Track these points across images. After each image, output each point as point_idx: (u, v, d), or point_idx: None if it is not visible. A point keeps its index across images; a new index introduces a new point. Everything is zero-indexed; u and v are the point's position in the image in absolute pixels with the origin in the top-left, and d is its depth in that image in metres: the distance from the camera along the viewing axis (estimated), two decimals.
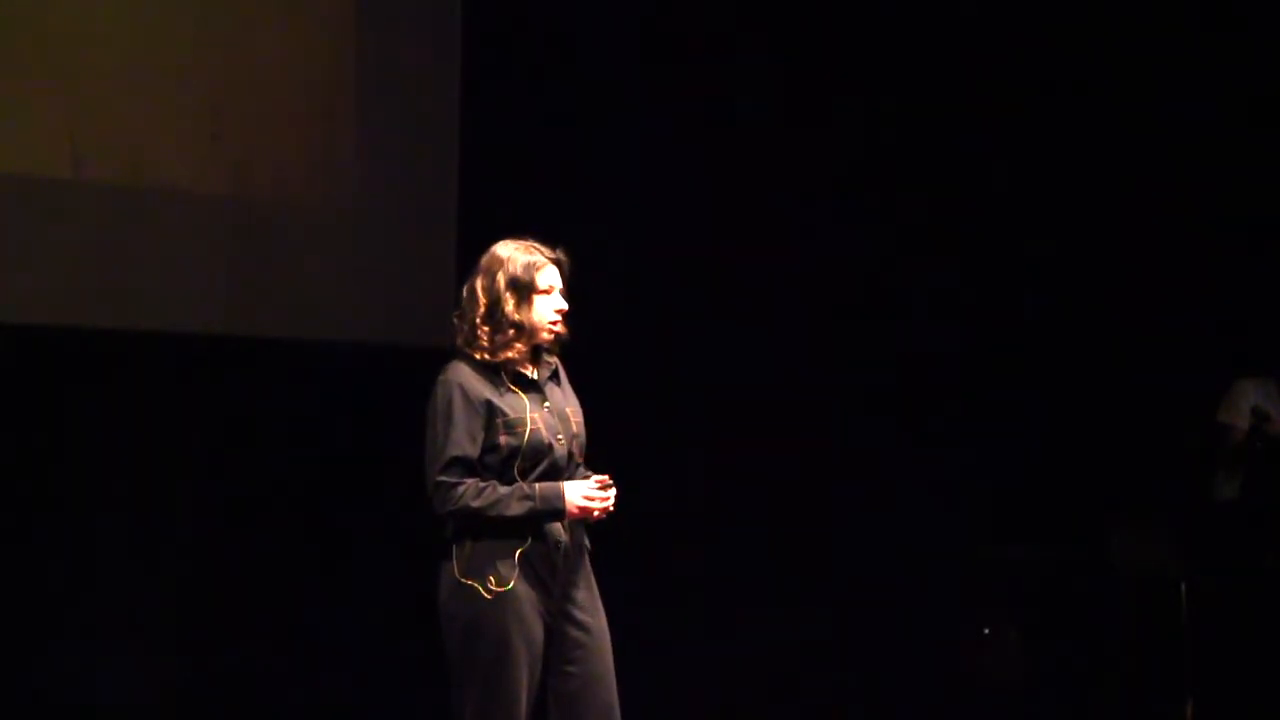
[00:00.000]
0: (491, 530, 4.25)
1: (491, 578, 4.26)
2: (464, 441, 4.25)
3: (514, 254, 4.38)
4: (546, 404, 4.38)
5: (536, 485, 4.28)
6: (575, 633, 4.37)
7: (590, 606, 4.41)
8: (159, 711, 6.44)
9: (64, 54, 6.23)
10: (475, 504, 4.22)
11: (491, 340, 4.32)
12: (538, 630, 4.31)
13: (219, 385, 6.58)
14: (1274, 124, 7.60)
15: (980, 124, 7.94)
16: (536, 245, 4.43)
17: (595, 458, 4.53)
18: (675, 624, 7.19)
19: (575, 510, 4.29)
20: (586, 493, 4.30)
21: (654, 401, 7.40)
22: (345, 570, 6.80)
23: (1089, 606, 7.44)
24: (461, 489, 4.23)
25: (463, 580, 4.27)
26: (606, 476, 4.37)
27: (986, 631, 7.54)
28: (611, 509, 4.35)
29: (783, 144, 7.77)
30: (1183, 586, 7.11)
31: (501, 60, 7.30)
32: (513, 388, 4.35)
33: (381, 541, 6.89)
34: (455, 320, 4.39)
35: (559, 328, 4.40)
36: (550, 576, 4.32)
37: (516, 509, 4.24)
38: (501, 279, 4.34)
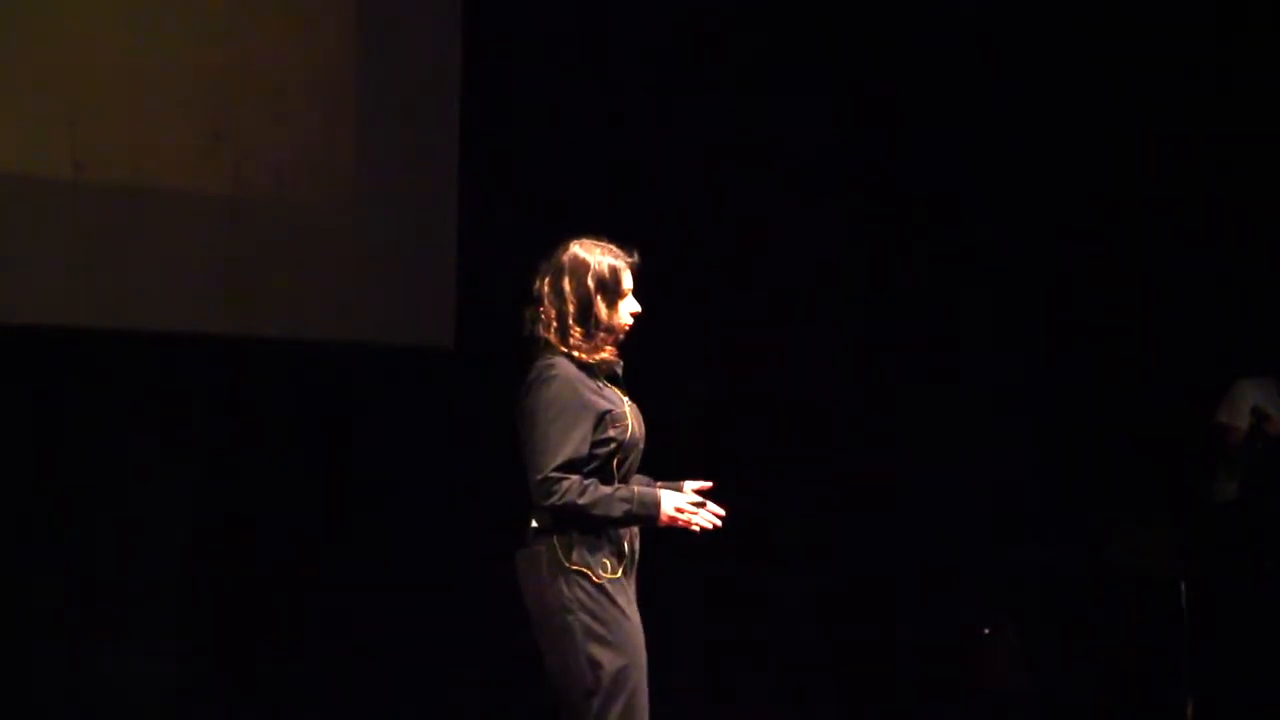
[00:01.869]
0: (591, 527, 4.33)
1: (607, 561, 4.34)
2: (578, 442, 4.31)
3: (600, 257, 4.46)
4: (627, 400, 4.48)
5: (635, 489, 4.39)
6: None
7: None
8: (159, 711, 6.44)
9: (64, 54, 6.23)
10: (581, 501, 4.28)
11: (586, 341, 4.41)
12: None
13: (219, 385, 6.58)
14: (1275, 123, 7.60)
15: (983, 123, 7.94)
16: (612, 247, 4.51)
17: None
18: (673, 623, 7.19)
19: (666, 519, 4.39)
20: (679, 504, 4.39)
21: (654, 400, 7.39)
22: (346, 570, 6.80)
23: (1089, 606, 7.44)
24: (567, 484, 4.28)
25: (570, 566, 4.32)
26: (708, 484, 4.48)
27: (986, 631, 7.54)
28: (716, 525, 4.43)
29: (783, 146, 7.77)
30: (1183, 586, 7.11)
31: (501, 61, 7.30)
32: (609, 384, 4.45)
33: (383, 541, 6.89)
34: (540, 314, 4.44)
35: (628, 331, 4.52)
36: (628, 572, 4.43)
37: (617, 510, 4.32)
38: (591, 281, 4.42)
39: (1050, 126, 7.95)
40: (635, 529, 4.44)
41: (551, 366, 4.37)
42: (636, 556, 4.45)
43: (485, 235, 7.17)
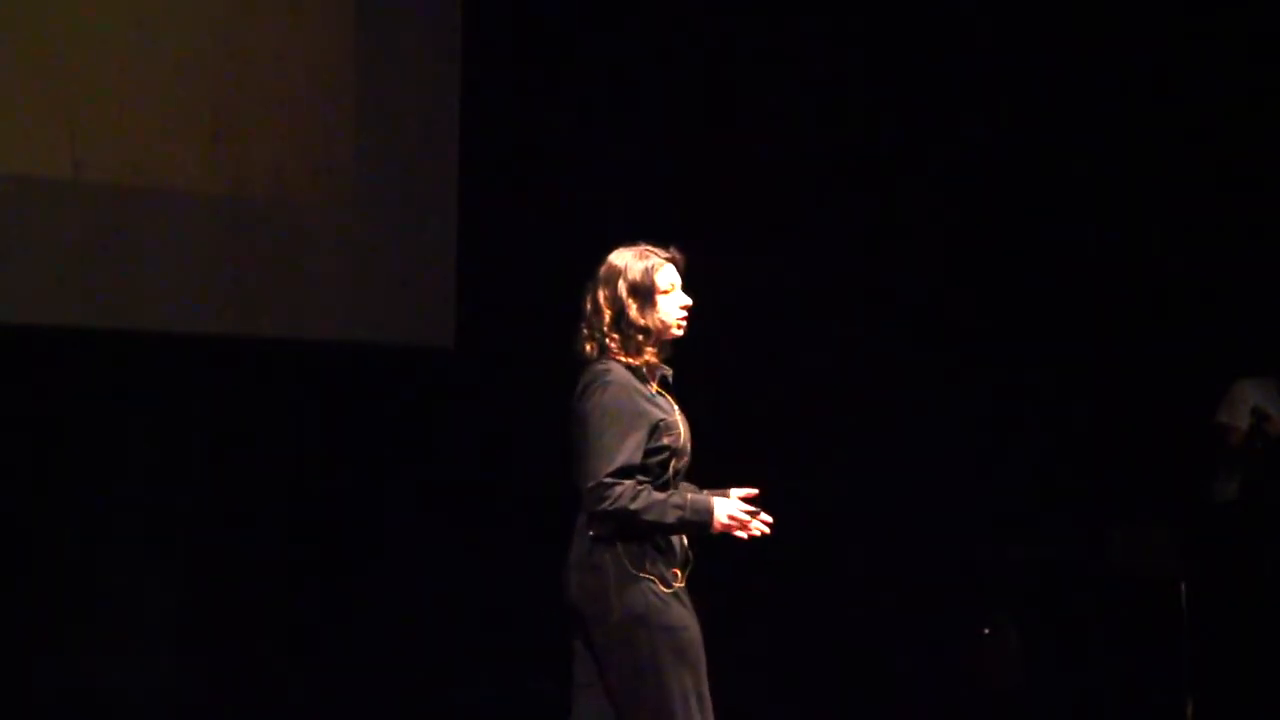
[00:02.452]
0: (643, 532, 4.32)
1: (677, 570, 4.36)
2: (634, 450, 4.31)
3: (630, 260, 4.46)
4: (677, 407, 4.49)
5: (687, 496, 4.37)
6: None
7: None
8: (158, 711, 6.45)
9: (64, 54, 6.23)
10: (632, 506, 4.27)
11: (624, 347, 4.41)
12: None
13: (219, 385, 6.58)
14: (1275, 123, 7.60)
15: (983, 123, 7.94)
16: (650, 248, 4.50)
17: None
18: None
19: (719, 527, 4.37)
20: (732, 511, 4.37)
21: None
22: (346, 570, 6.80)
23: (1089, 606, 7.44)
24: (619, 489, 4.27)
25: (639, 574, 4.32)
26: (754, 491, 4.45)
27: (986, 631, 7.54)
28: (765, 532, 4.41)
29: (782, 144, 7.77)
30: (1183, 586, 7.11)
31: (501, 60, 7.30)
32: (660, 390, 4.45)
33: (382, 541, 6.89)
34: (584, 330, 4.45)
35: (684, 326, 4.48)
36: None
37: (670, 517, 4.31)
38: (622, 286, 4.43)
39: (1051, 126, 7.95)
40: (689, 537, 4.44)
41: (607, 371, 4.37)
42: (691, 563, 4.45)
43: (485, 235, 7.17)
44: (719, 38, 7.72)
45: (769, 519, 4.42)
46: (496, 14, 7.27)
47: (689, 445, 4.45)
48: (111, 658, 6.31)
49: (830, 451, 7.69)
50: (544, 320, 7.24)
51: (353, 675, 6.77)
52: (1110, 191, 7.94)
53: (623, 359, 4.39)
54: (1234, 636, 7.08)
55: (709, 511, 4.34)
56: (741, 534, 4.40)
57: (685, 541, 4.42)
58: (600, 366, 4.39)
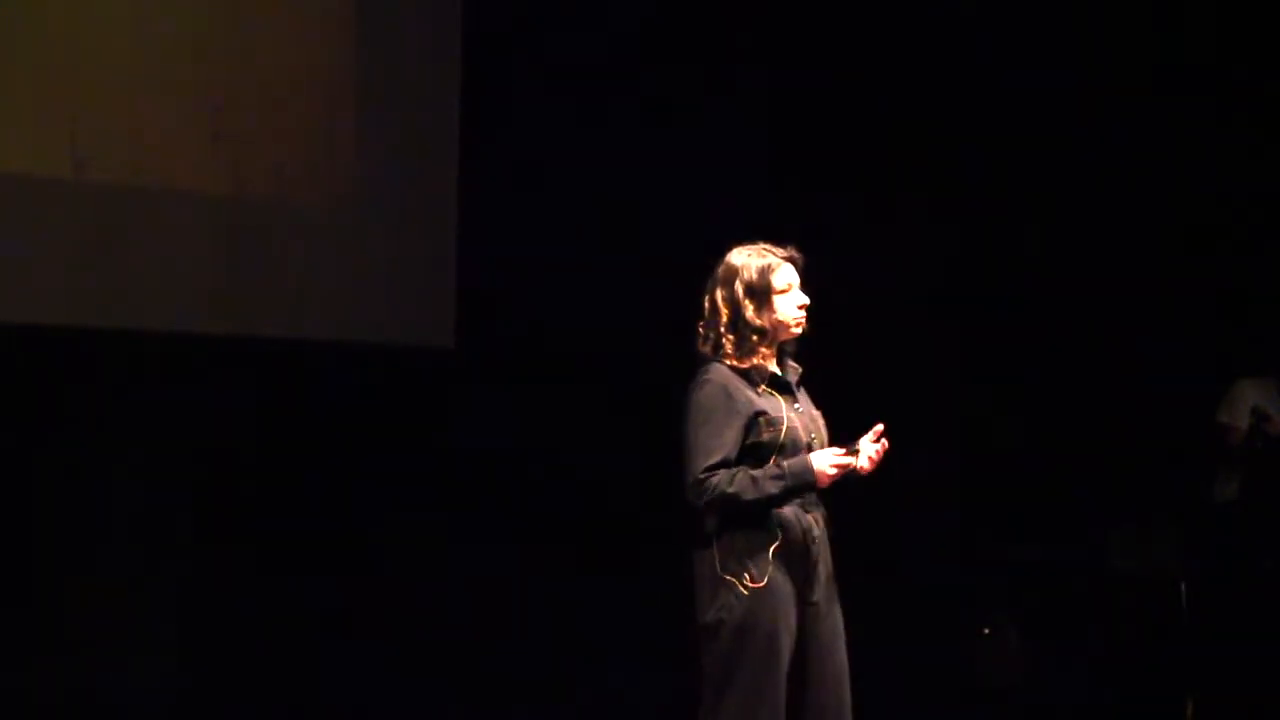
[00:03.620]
0: (748, 520, 4.32)
1: (749, 573, 4.34)
2: (730, 445, 4.33)
3: (748, 260, 4.47)
4: (798, 405, 4.48)
5: (784, 463, 4.36)
6: (820, 622, 4.49)
7: (832, 594, 4.53)
8: (159, 711, 6.45)
9: (64, 54, 6.23)
10: (730, 489, 4.29)
11: (738, 348, 4.42)
12: (794, 619, 4.39)
13: (219, 385, 6.58)
14: (1274, 124, 7.60)
15: (981, 123, 7.94)
16: (768, 247, 4.51)
17: None
18: (667, 621, 7.18)
19: (825, 478, 4.37)
20: (831, 460, 4.37)
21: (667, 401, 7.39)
22: (345, 569, 6.80)
23: (1089, 606, 7.44)
24: (716, 479, 4.30)
25: (722, 575, 4.34)
26: (880, 427, 4.42)
27: (986, 631, 7.54)
28: (880, 453, 4.41)
29: (782, 145, 7.77)
30: (1183, 586, 7.11)
31: (502, 61, 7.30)
32: (769, 390, 4.44)
33: (382, 540, 6.89)
34: (700, 330, 4.47)
35: (803, 324, 4.48)
36: (805, 565, 4.40)
37: (771, 488, 4.32)
38: (739, 287, 4.43)
39: (1050, 125, 7.95)
40: (806, 517, 4.39)
41: (705, 371, 4.40)
42: (815, 542, 4.40)
43: (485, 235, 7.17)
44: (719, 38, 7.72)
45: (877, 446, 4.41)
46: (496, 14, 7.27)
47: (807, 443, 4.41)
48: (111, 658, 6.31)
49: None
50: (544, 320, 7.29)
51: (352, 675, 6.77)
52: (1111, 190, 7.94)
53: (731, 362, 4.40)
54: (1234, 636, 7.08)
55: (808, 469, 4.35)
56: (858, 471, 4.40)
57: (809, 518, 4.38)
58: (701, 368, 4.41)
